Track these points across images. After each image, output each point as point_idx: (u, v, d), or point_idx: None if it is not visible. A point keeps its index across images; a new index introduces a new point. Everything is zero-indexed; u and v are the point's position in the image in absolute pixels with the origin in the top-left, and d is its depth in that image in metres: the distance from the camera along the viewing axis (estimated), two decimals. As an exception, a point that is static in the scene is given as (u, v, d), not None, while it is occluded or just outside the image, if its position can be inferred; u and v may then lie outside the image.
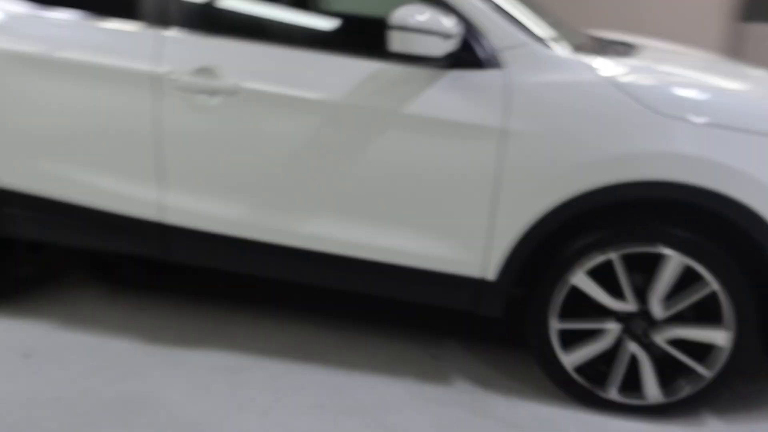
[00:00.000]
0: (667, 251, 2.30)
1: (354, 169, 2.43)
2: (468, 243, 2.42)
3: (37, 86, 2.59)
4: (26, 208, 2.73)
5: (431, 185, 2.39)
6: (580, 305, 2.44)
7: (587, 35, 3.06)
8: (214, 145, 2.51)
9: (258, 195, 2.54)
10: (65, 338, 2.80)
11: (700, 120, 2.22)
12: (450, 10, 2.31)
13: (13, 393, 2.43)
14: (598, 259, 2.35)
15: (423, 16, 2.18)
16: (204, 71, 2.46)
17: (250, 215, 2.56)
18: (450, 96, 2.32)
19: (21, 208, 2.74)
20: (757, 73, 2.91)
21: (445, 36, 2.20)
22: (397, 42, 2.20)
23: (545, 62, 2.33)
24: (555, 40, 2.46)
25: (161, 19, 2.53)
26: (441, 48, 2.22)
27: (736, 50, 5.55)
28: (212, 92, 2.46)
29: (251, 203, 2.55)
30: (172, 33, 2.52)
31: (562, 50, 2.41)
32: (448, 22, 2.22)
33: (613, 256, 2.34)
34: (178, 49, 2.50)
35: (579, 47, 2.55)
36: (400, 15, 2.18)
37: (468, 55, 2.31)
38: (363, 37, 2.53)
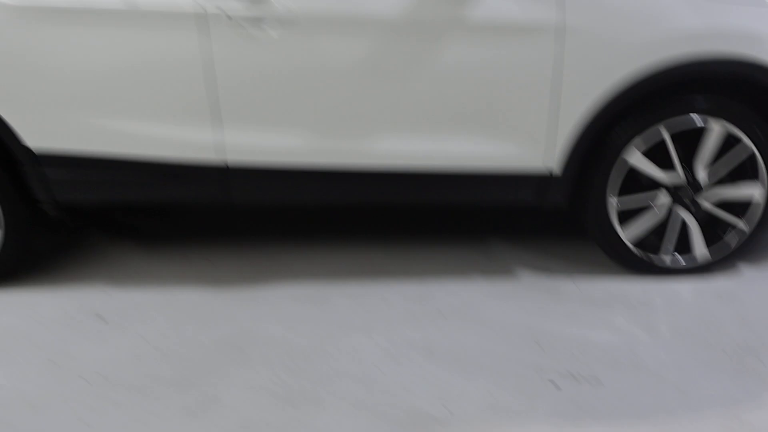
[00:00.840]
0: (715, 123, 2.55)
1: (419, 80, 2.50)
2: (533, 140, 2.57)
3: (76, 39, 2.44)
4: (73, 170, 2.61)
5: (496, 88, 2.50)
6: (633, 187, 2.67)
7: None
8: (271, 75, 2.48)
9: (323, 120, 2.55)
10: (130, 298, 2.74)
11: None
12: None
13: (115, 353, 2.39)
14: (653, 135, 2.57)
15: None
16: (255, 1, 2.41)
17: (317, 141, 2.57)
18: (506, -1, 2.41)
19: (67, 171, 2.61)
20: None
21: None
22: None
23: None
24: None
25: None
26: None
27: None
28: (265, 21, 2.42)
29: (316, 129, 2.56)
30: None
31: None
32: None
33: (666, 131, 2.57)
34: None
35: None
36: None
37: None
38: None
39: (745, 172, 2.66)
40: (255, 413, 2.06)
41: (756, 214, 2.70)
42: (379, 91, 2.51)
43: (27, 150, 2.58)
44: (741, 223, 2.72)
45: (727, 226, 2.74)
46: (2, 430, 2.02)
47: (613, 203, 2.68)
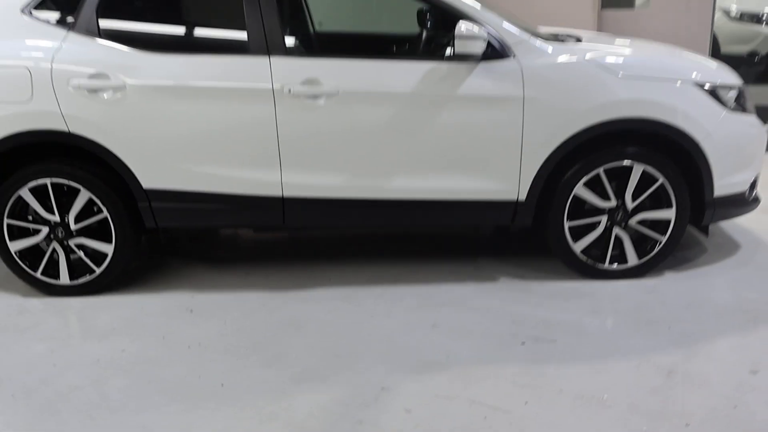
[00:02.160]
0: (632, 163, 3.58)
1: (425, 137, 3.53)
2: (507, 177, 3.58)
3: (181, 108, 3.48)
4: (175, 202, 3.60)
5: (479, 141, 3.53)
6: (578, 209, 3.68)
7: (545, 31, 4.31)
8: (318, 133, 3.51)
9: (354, 165, 3.57)
10: (209, 298, 3.69)
11: (637, 74, 3.52)
12: (478, 22, 3.46)
13: (205, 332, 3.32)
14: (590, 174, 3.60)
15: (475, 27, 3.33)
16: (309, 82, 3.46)
17: (348, 180, 3.58)
18: (484, 79, 3.47)
19: (171, 203, 3.61)
20: (628, 41, 4.30)
21: (484, 39, 3.36)
22: (460, 46, 3.33)
23: (538, 50, 3.54)
24: (536, 35, 3.68)
25: (265, 51, 3.49)
26: (481, 47, 3.38)
27: (600, 29, 7.13)
28: (316, 96, 3.47)
29: (349, 172, 3.57)
30: (277, 59, 3.49)
31: (543, 42, 3.63)
32: (484, 30, 3.38)
33: (600, 170, 3.60)
34: (284, 70, 3.48)
35: (547, 39, 3.77)
36: (464, 28, 3.30)
37: (491, 51, 3.47)
38: (419, 46, 3.64)
39: (662, 201, 3.67)
40: (312, 362, 3.01)
41: (669, 228, 3.70)
42: (397, 143, 3.54)
43: (142, 188, 3.58)
44: (658, 236, 3.71)
45: (652, 240, 3.73)
46: (138, 380, 2.94)
47: (566, 223, 3.68)
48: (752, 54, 9.84)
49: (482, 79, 3.47)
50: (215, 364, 3.03)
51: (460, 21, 3.38)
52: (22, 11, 3.56)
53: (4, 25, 3.56)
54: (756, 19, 10.00)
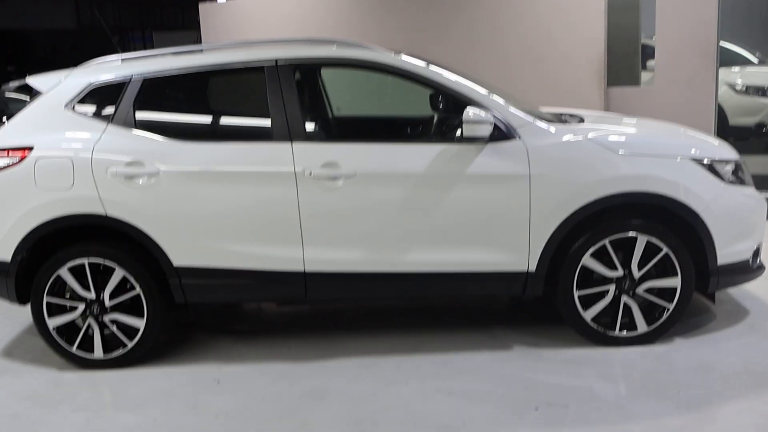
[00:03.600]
0: (636, 234, 3.77)
1: (437, 213, 3.76)
2: (516, 249, 3.78)
3: (207, 191, 3.75)
4: (204, 279, 3.84)
5: (489, 216, 3.75)
6: (587, 278, 3.85)
7: (549, 112, 4.58)
8: (337, 211, 3.76)
9: (372, 241, 3.79)
10: (234, 369, 3.86)
11: (637, 151, 3.75)
12: (485, 107, 3.73)
13: (232, 401, 3.48)
14: (597, 245, 3.78)
15: (482, 113, 3.60)
16: (328, 165, 3.73)
17: (366, 255, 3.80)
18: (492, 159, 3.72)
19: (199, 279, 3.84)
20: (634, 120, 4.56)
21: (490, 123, 3.63)
22: (468, 130, 3.61)
23: (542, 131, 3.80)
24: (539, 117, 3.95)
25: (287, 137, 3.78)
26: (488, 131, 3.64)
27: (607, 106, 7.41)
28: (335, 178, 3.73)
29: (367, 247, 3.80)
30: (299, 144, 3.78)
31: (547, 123, 3.89)
32: (491, 114, 3.66)
33: (606, 241, 3.78)
34: (305, 154, 3.76)
35: (551, 120, 4.03)
36: (471, 113, 3.58)
37: (498, 133, 3.73)
38: (431, 129, 3.94)
39: (668, 269, 3.83)
40: (334, 431, 3.16)
41: (676, 296, 3.85)
42: (411, 219, 3.77)
43: (173, 266, 3.82)
44: (666, 303, 3.85)
45: (661, 308, 3.87)
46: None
47: (575, 292, 3.84)
48: (760, 125, 10.09)
49: (490, 158, 3.72)
50: (241, 433, 3.19)
51: (468, 107, 3.66)
52: (66, 106, 3.90)
53: (49, 120, 3.90)
54: (761, 92, 10.28)
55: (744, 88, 10.28)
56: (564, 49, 7.34)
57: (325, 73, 5.10)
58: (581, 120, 4.24)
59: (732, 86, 10.33)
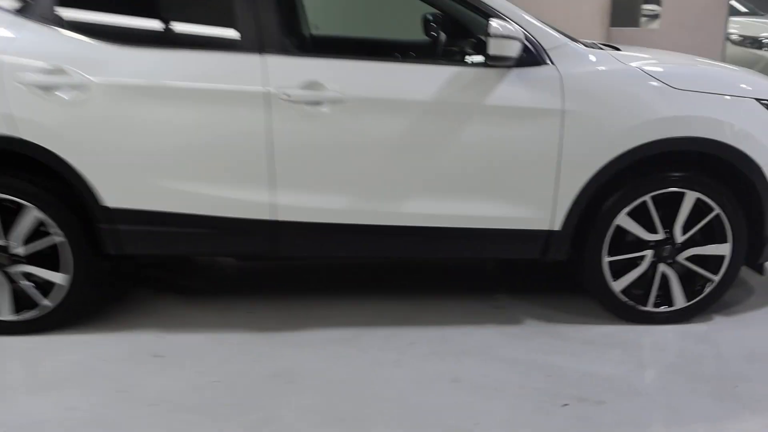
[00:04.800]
0: (684, 190, 3.07)
1: (445, 154, 2.98)
2: (540, 202, 3.05)
3: (156, 113, 2.89)
4: (144, 225, 3.01)
5: (510, 160, 3.00)
6: (620, 243, 3.15)
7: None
8: (321, 147, 2.95)
9: (362, 185, 3.01)
10: (182, 340, 3.08)
11: (695, 87, 3.02)
12: (511, 21, 2.93)
13: (175, 384, 2.71)
14: (635, 202, 3.07)
15: (510, 26, 2.81)
16: (309, 85, 2.90)
17: (355, 203, 3.02)
18: (518, 88, 2.94)
19: (140, 225, 3.01)
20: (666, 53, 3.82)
21: (520, 40, 2.84)
22: (493, 47, 2.81)
23: (580, 56, 3.03)
24: (573, 39, 3.17)
25: (258, 47, 2.93)
26: (517, 50, 2.85)
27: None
28: (318, 102, 2.91)
29: (356, 193, 3.01)
30: (273, 57, 2.93)
31: (584, 47, 3.12)
32: (521, 30, 2.86)
33: (647, 198, 3.07)
34: (280, 70, 2.92)
35: (587, 45, 3.27)
36: (497, 25, 2.78)
37: (526, 56, 2.95)
38: (442, 49, 3.11)
39: (715, 234, 3.15)
40: (309, 430, 2.41)
41: (722, 267, 3.18)
42: (412, 161, 2.99)
43: (105, 208, 2.97)
44: (711, 275, 3.19)
45: (703, 280, 3.20)
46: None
47: (605, 258, 3.14)
48: (756, 78, 9.53)
49: (515, 87, 2.95)
50: (186, 430, 2.42)
51: (492, 19, 2.85)
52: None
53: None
54: (758, 44, 9.74)
55: (741, 39, 9.71)
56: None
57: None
58: (616, 49, 3.48)
59: (727, 37, 9.75)
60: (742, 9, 10.19)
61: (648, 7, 7.39)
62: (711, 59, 4.24)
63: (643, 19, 7.77)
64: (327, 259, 3.85)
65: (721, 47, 6.92)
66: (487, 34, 2.82)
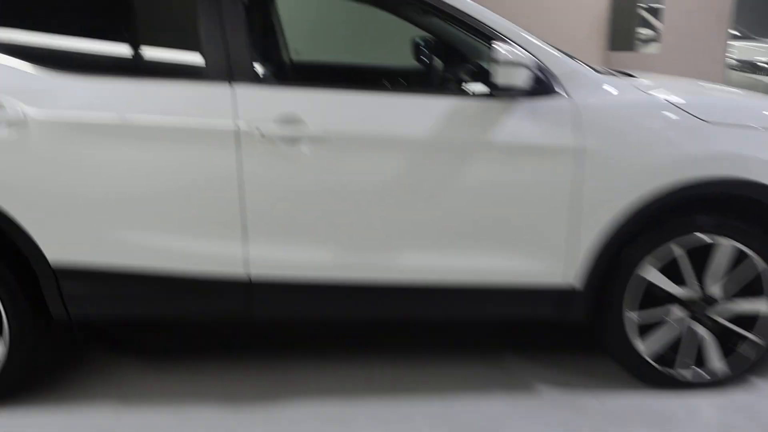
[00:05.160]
0: (722, 239, 2.66)
1: (445, 198, 2.57)
2: (554, 254, 2.63)
3: (107, 153, 2.46)
4: (94, 283, 2.56)
5: (519, 205, 2.59)
6: (647, 298, 2.73)
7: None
8: (300, 192, 2.53)
9: (348, 236, 2.59)
10: (142, 419, 2.62)
11: (731, 120, 2.64)
12: (519, 47, 2.54)
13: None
14: (662, 250, 2.66)
15: (518, 52, 2.41)
16: (287, 120, 2.48)
17: (341, 256, 2.59)
18: (527, 123, 2.54)
19: (87, 285, 2.56)
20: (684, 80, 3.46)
21: (529, 68, 2.45)
22: (501, 75, 2.40)
23: (596, 85, 2.64)
24: (587, 65, 2.79)
25: (227, 76, 2.51)
26: (526, 79, 2.45)
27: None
28: (297, 140, 2.49)
29: (341, 245, 2.59)
30: (244, 88, 2.51)
31: (600, 74, 2.73)
32: (530, 56, 2.47)
33: (676, 246, 2.66)
34: (253, 102, 2.50)
35: (602, 72, 2.88)
36: (504, 51, 2.38)
37: (536, 85, 2.55)
38: (438, 77, 2.71)
39: (756, 286, 2.75)
40: None
41: (766, 326, 2.77)
42: (406, 208, 2.57)
43: (48, 264, 2.52)
44: (755, 337, 2.77)
45: (742, 339, 2.79)
46: None
47: (631, 318, 2.73)
48: (753, 104, 9.27)
49: (525, 121, 2.55)
50: None
51: (495, 44, 2.46)
52: None
53: None
54: (755, 68, 9.52)
55: (738, 64, 9.46)
56: (563, 4, 6.27)
57: (282, 3, 3.83)
58: (630, 76, 3.10)
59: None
60: (736, 33, 9.98)
61: (642, 31, 7.12)
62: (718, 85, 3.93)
63: (637, 43, 7.51)
64: (307, 320, 3.39)
65: (722, 72, 6.65)
66: (493, 61, 2.42)
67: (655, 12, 6.85)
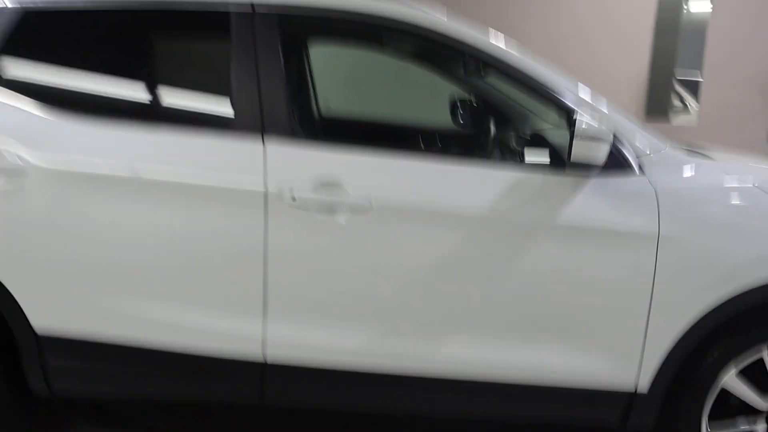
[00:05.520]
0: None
1: (500, 283, 2.23)
2: (623, 354, 2.27)
3: (111, 211, 2.14)
4: (84, 357, 2.21)
5: (586, 296, 2.24)
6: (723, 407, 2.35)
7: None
8: (333, 269, 2.19)
9: (387, 318, 2.24)
10: None
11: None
12: (598, 117, 2.23)
13: None
14: (750, 358, 2.30)
15: (599, 124, 2.09)
16: (325, 184, 2.16)
17: (375, 341, 2.24)
18: (600, 204, 2.21)
19: (76, 358, 2.21)
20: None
21: (608, 143, 2.13)
22: (578, 149, 2.08)
23: (678, 165, 2.32)
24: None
25: (257, 129, 2.21)
26: (603, 155, 2.13)
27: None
28: (335, 209, 2.16)
29: (377, 330, 2.24)
30: (276, 144, 2.20)
31: (681, 153, 2.42)
32: (609, 130, 2.15)
33: (765, 353, 2.30)
34: (286, 162, 2.19)
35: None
36: (586, 124, 2.07)
37: (611, 160, 2.23)
38: (501, 146, 2.40)
39: None
40: None
41: None
42: (454, 291, 2.23)
43: (33, 332, 2.18)
44: None
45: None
46: None
47: (706, 429, 2.34)
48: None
49: (597, 202, 2.22)
50: None
51: (576, 113, 2.15)
52: None
53: None
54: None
55: (773, 139, 9.22)
56: (605, 68, 6.05)
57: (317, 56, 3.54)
58: (703, 154, 2.78)
59: None
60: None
61: (676, 103, 6.92)
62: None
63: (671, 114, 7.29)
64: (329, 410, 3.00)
65: (765, 145, 6.39)
66: (572, 133, 2.09)
67: (689, 84, 6.66)
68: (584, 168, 2.17)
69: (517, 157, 2.54)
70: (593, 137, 2.08)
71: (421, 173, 2.24)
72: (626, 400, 2.31)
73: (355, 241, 2.17)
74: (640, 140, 2.31)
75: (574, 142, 2.08)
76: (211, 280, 2.20)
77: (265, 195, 2.15)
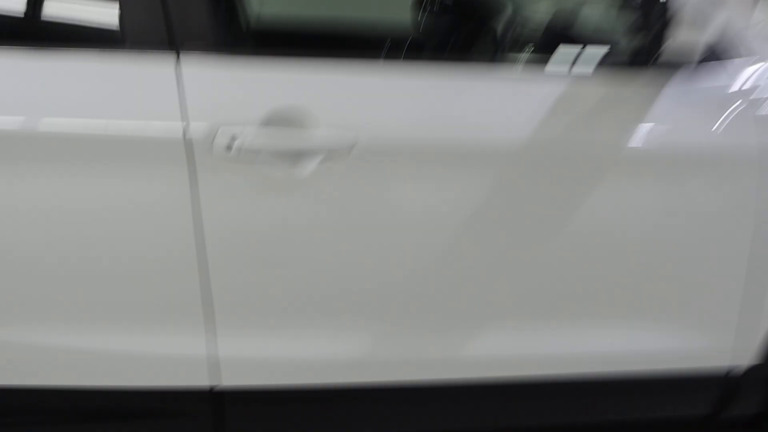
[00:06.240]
0: None
1: (550, 244, 1.53)
2: (719, 322, 1.64)
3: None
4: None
5: (671, 249, 1.57)
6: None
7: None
8: (304, 247, 1.46)
9: (381, 312, 1.53)
10: None
11: None
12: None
13: None
14: None
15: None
16: (281, 119, 1.39)
17: (368, 347, 1.54)
18: (695, 112, 1.51)
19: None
20: None
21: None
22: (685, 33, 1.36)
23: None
24: None
25: (167, 41, 1.40)
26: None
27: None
28: (298, 156, 1.40)
29: (369, 328, 1.54)
30: (197, 61, 1.40)
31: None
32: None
33: None
34: (216, 88, 1.40)
35: None
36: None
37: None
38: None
39: None
40: None
41: None
42: (483, 260, 1.52)
43: None
44: None
45: None
46: None
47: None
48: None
49: (689, 108, 1.52)
50: None
51: None
52: None
53: None
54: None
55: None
56: None
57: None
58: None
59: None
60: None
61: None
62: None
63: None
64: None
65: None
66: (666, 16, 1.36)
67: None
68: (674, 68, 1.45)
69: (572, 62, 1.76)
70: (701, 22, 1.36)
71: (424, 93, 1.47)
72: (726, 377, 1.69)
73: (332, 203, 1.42)
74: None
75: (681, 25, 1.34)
76: (130, 282, 1.44)
77: (187, 144, 1.36)
